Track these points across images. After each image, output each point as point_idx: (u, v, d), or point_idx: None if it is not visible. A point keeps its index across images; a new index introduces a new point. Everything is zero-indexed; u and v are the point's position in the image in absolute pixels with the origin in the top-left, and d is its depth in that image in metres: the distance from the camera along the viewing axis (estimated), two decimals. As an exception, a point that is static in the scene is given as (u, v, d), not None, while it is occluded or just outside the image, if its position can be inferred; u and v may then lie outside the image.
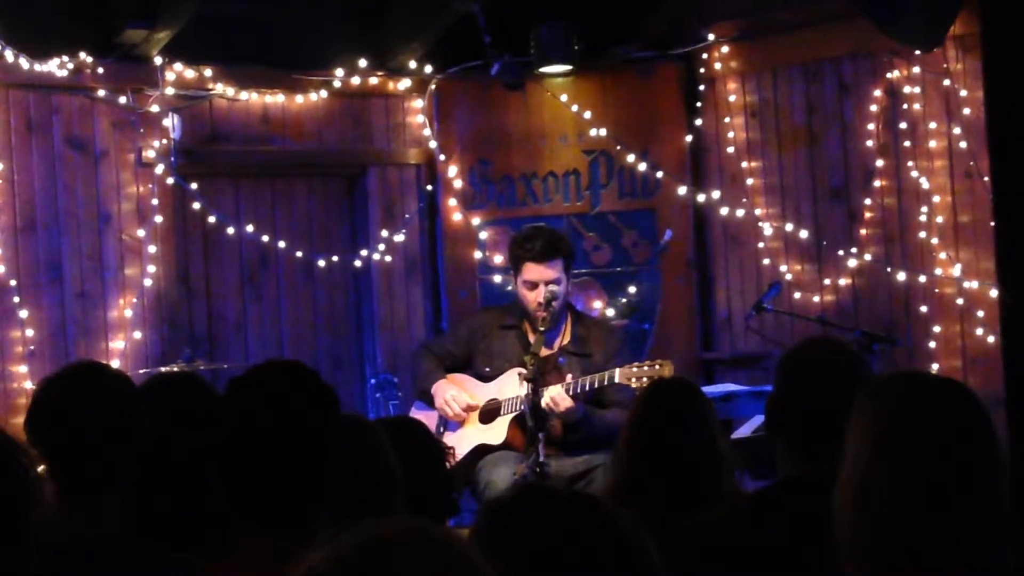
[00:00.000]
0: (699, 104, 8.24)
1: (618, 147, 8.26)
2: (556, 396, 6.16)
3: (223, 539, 3.04)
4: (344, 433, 2.61)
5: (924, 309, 7.41)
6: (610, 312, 8.17)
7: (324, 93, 8.15)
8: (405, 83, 8.37)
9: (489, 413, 6.51)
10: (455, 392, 6.53)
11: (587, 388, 6.21)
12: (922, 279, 7.40)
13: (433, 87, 8.38)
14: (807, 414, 3.07)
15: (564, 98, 8.31)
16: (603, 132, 8.25)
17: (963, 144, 7.26)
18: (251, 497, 2.51)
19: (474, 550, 1.41)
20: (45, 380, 3.16)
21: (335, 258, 8.23)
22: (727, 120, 8.14)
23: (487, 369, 6.59)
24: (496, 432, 6.43)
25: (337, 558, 1.38)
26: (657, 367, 6.06)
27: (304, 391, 2.58)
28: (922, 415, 2.30)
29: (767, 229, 7.94)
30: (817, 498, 2.85)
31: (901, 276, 7.46)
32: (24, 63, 7.19)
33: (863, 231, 7.64)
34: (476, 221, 8.35)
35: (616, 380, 6.11)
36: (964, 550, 2.22)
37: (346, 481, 2.58)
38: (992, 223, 7.13)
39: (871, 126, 7.59)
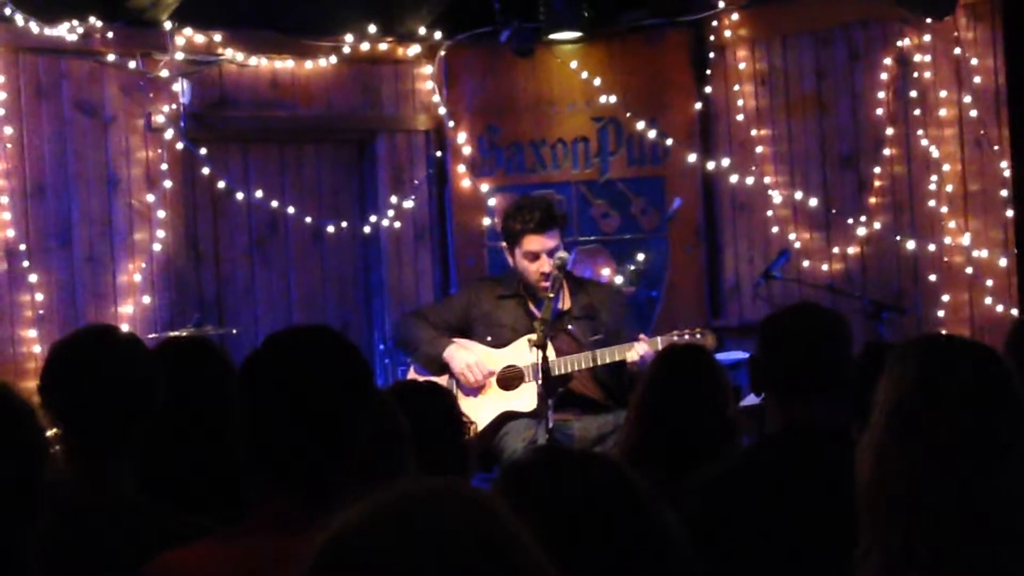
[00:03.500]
0: (708, 71, 8.22)
1: (627, 114, 8.25)
2: (647, 355, 6.12)
3: (232, 502, 3.06)
4: (372, 400, 2.62)
5: (933, 278, 7.40)
6: (618, 279, 8.17)
7: (333, 59, 8.14)
8: (414, 49, 8.36)
9: (509, 380, 6.48)
10: (475, 358, 6.48)
11: (616, 358, 6.22)
12: (931, 248, 7.40)
13: (442, 53, 8.37)
14: (778, 369, 3.31)
15: (573, 65, 8.30)
16: (612, 99, 8.24)
17: (973, 113, 7.25)
18: (276, 458, 2.51)
19: (504, 508, 1.42)
20: (58, 343, 3.16)
21: (344, 224, 8.24)
22: (736, 87, 8.12)
23: (489, 338, 6.55)
24: (526, 399, 6.40)
25: (369, 517, 1.39)
26: (699, 335, 6.06)
27: (340, 355, 2.58)
28: (941, 378, 2.31)
29: (776, 197, 7.94)
30: (796, 447, 3.20)
31: (910, 245, 7.45)
32: (34, 27, 7.18)
33: (872, 199, 7.63)
34: (485, 188, 8.35)
35: (659, 349, 6.07)
36: (982, 513, 2.23)
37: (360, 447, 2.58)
38: (1002, 192, 7.14)
39: (881, 94, 7.57)
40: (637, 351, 6.14)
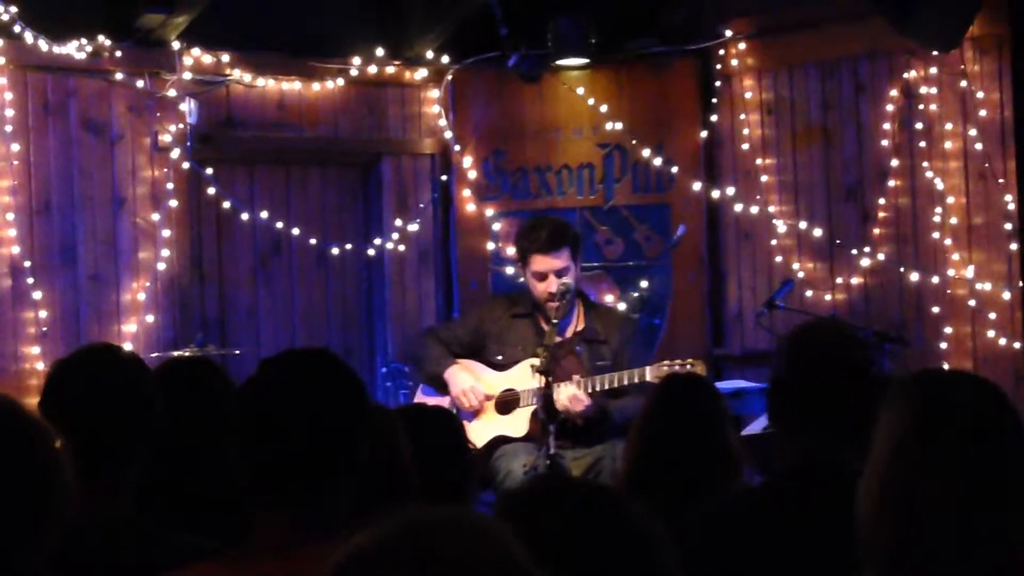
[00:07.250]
0: (715, 100, 8.23)
1: (633, 141, 8.26)
2: (573, 397, 6.11)
3: (234, 522, 3.05)
4: (369, 422, 2.61)
5: (936, 310, 7.40)
6: (621, 306, 8.17)
7: (341, 81, 8.15)
8: (421, 73, 8.37)
9: (506, 404, 6.47)
10: (473, 382, 6.48)
11: (605, 387, 6.18)
12: (934, 280, 7.40)
13: (449, 78, 8.38)
14: (809, 398, 3.02)
15: (580, 91, 8.32)
16: (618, 126, 8.25)
17: (978, 146, 7.26)
18: (274, 481, 2.51)
19: (513, 538, 1.42)
20: (59, 361, 3.15)
21: (348, 246, 8.24)
22: (742, 116, 8.13)
23: (499, 357, 6.53)
24: (517, 424, 6.38)
25: (380, 544, 1.39)
26: (689, 365, 6.02)
27: (335, 377, 2.58)
28: (943, 414, 2.29)
29: (780, 226, 7.94)
30: (818, 488, 2.95)
31: (914, 276, 7.46)
32: (43, 45, 7.20)
33: (876, 230, 7.63)
34: (489, 212, 8.36)
35: (647, 379, 6.06)
36: (984, 550, 2.21)
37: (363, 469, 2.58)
38: (1007, 225, 7.15)
39: (887, 125, 7.59)
40: (566, 394, 6.11)
